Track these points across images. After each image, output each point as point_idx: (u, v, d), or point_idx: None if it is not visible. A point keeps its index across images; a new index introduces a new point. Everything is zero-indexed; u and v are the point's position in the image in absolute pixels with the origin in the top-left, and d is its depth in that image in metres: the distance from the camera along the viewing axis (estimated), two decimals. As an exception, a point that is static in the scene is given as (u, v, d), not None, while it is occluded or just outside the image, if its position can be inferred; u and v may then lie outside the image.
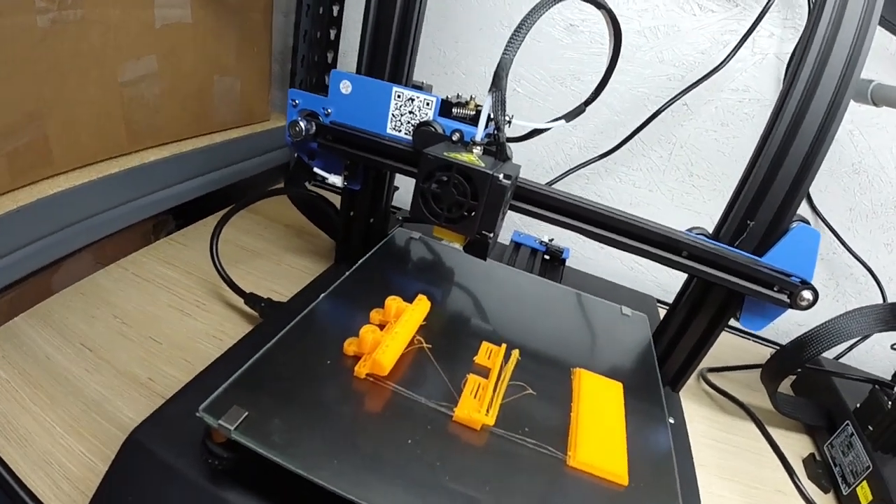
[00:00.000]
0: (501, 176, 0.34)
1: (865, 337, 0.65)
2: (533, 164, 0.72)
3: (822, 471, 0.47)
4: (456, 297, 0.46)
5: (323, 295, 0.39)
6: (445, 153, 0.35)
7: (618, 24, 0.40)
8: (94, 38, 0.46)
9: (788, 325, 0.68)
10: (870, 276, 0.64)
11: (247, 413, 0.27)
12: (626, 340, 0.46)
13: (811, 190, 0.62)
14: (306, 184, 0.51)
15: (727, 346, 0.62)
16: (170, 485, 0.29)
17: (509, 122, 0.37)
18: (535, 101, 0.69)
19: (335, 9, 0.73)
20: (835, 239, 0.64)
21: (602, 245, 0.41)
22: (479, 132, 0.38)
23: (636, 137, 0.66)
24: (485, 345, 0.38)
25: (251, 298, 0.47)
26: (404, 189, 0.57)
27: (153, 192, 0.55)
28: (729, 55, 0.60)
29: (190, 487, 0.28)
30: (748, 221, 0.40)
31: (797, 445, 0.51)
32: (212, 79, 0.60)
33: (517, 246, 0.64)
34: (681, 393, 0.49)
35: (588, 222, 0.40)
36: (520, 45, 0.34)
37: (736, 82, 0.62)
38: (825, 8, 0.35)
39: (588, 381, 0.37)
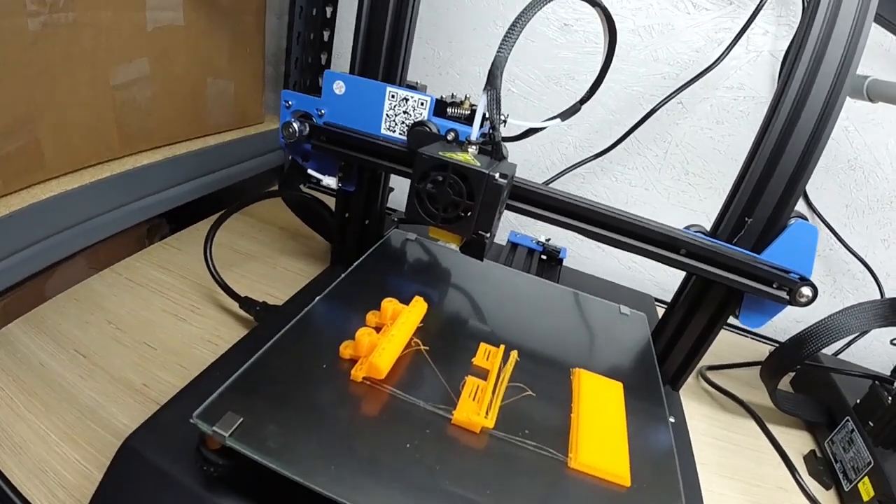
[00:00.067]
0: (498, 175, 0.33)
1: (864, 332, 0.65)
2: (528, 163, 0.72)
3: (823, 467, 0.47)
4: (453, 299, 0.46)
5: (318, 298, 0.39)
6: (441, 153, 0.35)
7: (612, 21, 0.40)
8: (85, 41, 0.45)
9: (786, 322, 0.67)
10: (867, 272, 0.64)
11: (242, 419, 0.27)
12: (626, 340, 0.46)
13: (807, 187, 0.62)
14: (301, 186, 0.51)
15: (725, 344, 0.62)
16: (165, 492, 0.28)
17: (504, 122, 0.37)
18: (529, 100, 0.69)
19: (328, 10, 0.72)
20: (831, 235, 0.64)
21: (599, 244, 0.40)
22: (475, 131, 0.37)
23: (631, 136, 0.66)
24: (483, 346, 0.38)
25: (246, 302, 0.47)
26: (399, 190, 0.57)
27: (147, 195, 0.55)
28: (723, 53, 0.60)
29: (185, 494, 0.28)
30: (746, 218, 0.40)
31: (798, 442, 0.51)
32: (205, 81, 0.60)
33: (514, 246, 0.64)
34: (680, 391, 0.48)
35: (588, 222, 0.39)
36: (514, 43, 0.34)
37: (730, 80, 0.62)
38: (820, 5, 0.35)
39: (588, 382, 0.37)
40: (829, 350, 0.63)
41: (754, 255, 0.39)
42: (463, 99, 0.42)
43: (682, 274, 0.45)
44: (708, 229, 0.43)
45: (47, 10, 0.41)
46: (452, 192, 0.34)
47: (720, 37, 0.61)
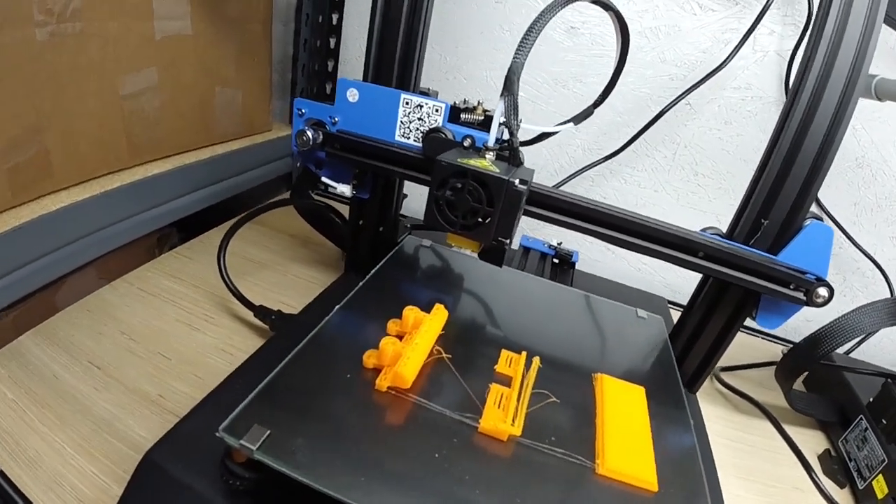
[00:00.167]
0: (518, 181, 0.33)
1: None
2: (538, 167, 0.72)
3: (837, 466, 0.47)
4: (471, 305, 0.46)
5: (338, 307, 0.38)
6: (459, 160, 0.35)
7: (625, 24, 0.40)
8: (93, 51, 0.45)
9: (797, 322, 0.67)
10: (877, 270, 0.64)
11: (269, 431, 0.27)
12: (644, 343, 0.46)
13: (816, 186, 0.62)
14: (311, 193, 0.51)
15: (737, 345, 0.62)
16: (189, 506, 0.28)
17: (519, 127, 0.37)
18: (537, 104, 0.69)
19: (335, 17, 0.72)
20: (841, 234, 0.64)
21: (608, 247, 0.40)
22: (492, 137, 0.37)
23: (640, 138, 0.66)
24: (504, 353, 0.38)
25: (261, 311, 0.46)
26: (412, 197, 0.57)
27: (156, 205, 0.54)
28: (731, 54, 0.60)
29: (210, 509, 0.28)
30: (762, 220, 0.40)
31: (811, 442, 0.51)
32: (213, 90, 0.59)
33: (526, 250, 0.64)
34: (696, 394, 0.48)
35: (604, 225, 0.39)
36: (530, 48, 0.34)
37: (738, 80, 0.62)
38: (832, 8, 0.36)
39: (610, 387, 0.37)
40: (840, 349, 0.63)
41: (771, 256, 0.39)
42: (476, 104, 0.42)
43: (692, 276, 0.44)
44: (722, 230, 0.43)
45: (55, 21, 0.41)
46: (472, 199, 0.34)
47: (727, 37, 0.61)
